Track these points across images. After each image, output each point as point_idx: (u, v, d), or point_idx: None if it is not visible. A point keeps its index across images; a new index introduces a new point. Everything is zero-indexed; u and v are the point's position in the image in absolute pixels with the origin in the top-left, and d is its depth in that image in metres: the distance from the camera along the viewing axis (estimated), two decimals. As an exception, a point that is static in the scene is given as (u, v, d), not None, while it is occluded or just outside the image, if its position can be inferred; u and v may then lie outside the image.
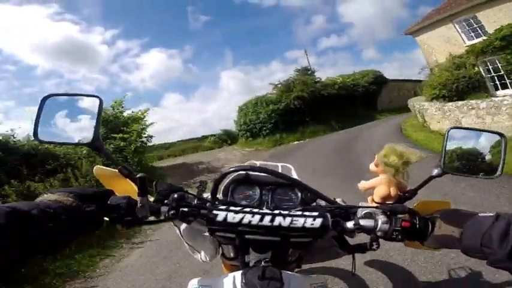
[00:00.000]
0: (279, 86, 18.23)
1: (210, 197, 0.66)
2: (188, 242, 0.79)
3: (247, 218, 0.58)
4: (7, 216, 0.43)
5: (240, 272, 0.60)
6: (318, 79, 19.09)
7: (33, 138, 0.71)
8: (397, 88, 25.16)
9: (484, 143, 0.72)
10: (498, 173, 0.67)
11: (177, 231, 0.75)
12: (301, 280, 0.62)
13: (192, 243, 0.79)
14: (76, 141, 0.68)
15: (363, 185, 0.78)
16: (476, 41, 12.52)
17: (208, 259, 0.82)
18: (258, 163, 0.94)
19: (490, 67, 12.08)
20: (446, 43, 14.02)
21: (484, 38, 11.69)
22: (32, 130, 0.64)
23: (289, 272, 0.61)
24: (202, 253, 0.81)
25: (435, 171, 0.65)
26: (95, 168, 0.74)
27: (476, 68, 12.08)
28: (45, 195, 0.55)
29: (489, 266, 0.50)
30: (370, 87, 21.17)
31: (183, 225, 0.73)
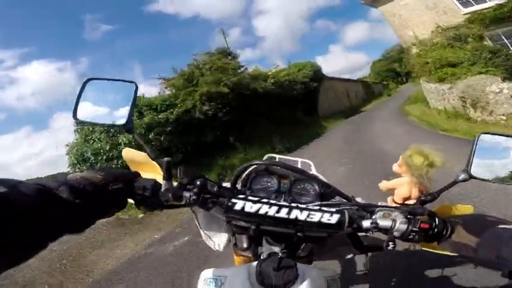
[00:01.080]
0: (174, 79, 10.13)
1: (230, 186, 0.68)
2: (203, 229, 0.82)
3: (265, 208, 0.60)
4: (36, 193, 0.43)
5: (255, 262, 0.62)
6: (244, 66, 11.89)
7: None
8: (333, 88, 21.02)
9: None
10: None
11: (195, 218, 0.78)
12: (316, 273, 0.63)
13: (207, 231, 0.82)
14: (111, 122, 0.71)
15: (384, 184, 0.77)
16: (477, 7, 9.78)
17: (221, 247, 0.84)
18: (277, 157, 0.95)
19: (506, 40, 9.32)
20: (429, 11, 10.84)
21: (492, 3, 9.10)
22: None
23: (304, 265, 0.62)
24: (216, 241, 0.83)
25: (461, 176, 0.64)
26: (124, 150, 0.77)
27: (485, 41, 9.49)
28: (74, 173, 0.55)
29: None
30: (310, 85, 15.48)
31: (201, 213, 0.76)
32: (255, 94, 10.63)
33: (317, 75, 16.61)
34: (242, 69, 11.64)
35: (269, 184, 0.80)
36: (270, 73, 12.65)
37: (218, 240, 0.83)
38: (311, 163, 1.13)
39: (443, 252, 0.61)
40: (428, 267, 2.15)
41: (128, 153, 0.77)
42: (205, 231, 0.82)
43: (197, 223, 0.80)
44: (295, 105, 13.89)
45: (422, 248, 0.66)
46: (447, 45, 9.90)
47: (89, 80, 0.72)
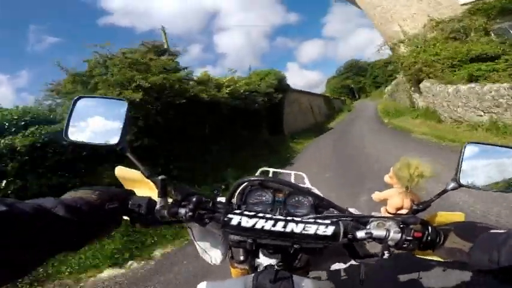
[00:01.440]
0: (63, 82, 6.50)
1: (225, 201, 0.68)
2: (199, 243, 0.82)
3: (261, 223, 0.61)
4: (34, 211, 0.44)
5: (251, 275, 0.62)
6: (188, 69, 8.30)
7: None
8: (298, 101, 18.41)
9: (502, 159, 0.72)
10: None
11: (189, 233, 0.78)
12: (312, 285, 0.64)
13: (203, 245, 0.82)
14: (103, 142, 0.70)
15: (377, 195, 0.79)
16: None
17: (218, 261, 0.84)
18: (271, 171, 0.97)
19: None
20: (419, 2, 9.29)
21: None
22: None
23: (300, 277, 0.63)
24: (213, 255, 0.84)
25: (450, 185, 0.66)
26: (116, 169, 0.76)
27: (490, 36, 8.02)
28: (70, 192, 0.57)
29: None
30: (274, 96, 12.55)
31: (196, 227, 0.76)
32: (201, 106, 7.26)
33: (282, 85, 13.98)
34: (184, 72, 7.77)
35: (264, 198, 0.81)
36: (224, 80, 9.36)
37: (214, 254, 0.83)
38: (304, 175, 1.17)
39: (437, 259, 0.62)
40: (421, 273, 2.21)
41: (120, 171, 0.76)
42: (201, 246, 0.82)
43: (192, 238, 0.80)
44: (258, 122, 11.19)
45: (417, 256, 0.67)
46: (449, 40, 8.32)
47: (79, 98, 0.71)
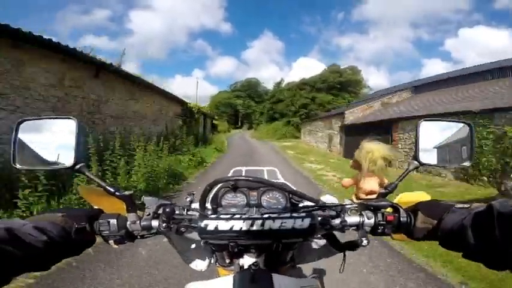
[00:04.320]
0: None
1: (199, 207, 0.67)
2: (182, 252, 0.80)
3: (238, 224, 0.60)
4: (2, 232, 0.45)
5: (230, 276, 0.62)
6: None
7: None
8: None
9: (453, 133, 0.75)
10: (470, 161, 0.71)
11: (169, 243, 0.76)
12: (292, 283, 0.63)
13: (187, 254, 0.81)
14: (57, 165, 0.66)
15: (345, 182, 0.80)
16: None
17: (204, 267, 0.83)
18: (243, 169, 0.95)
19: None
20: None
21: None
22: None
23: (280, 275, 0.63)
24: (198, 262, 0.82)
25: (411, 165, 0.69)
26: (79, 188, 0.74)
27: None
28: (37, 215, 0.57)
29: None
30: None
31: (175, 237, 0.74)
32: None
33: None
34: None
35: (239, 198, 0.80)
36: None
37: (199, 261, 0.82)
38: (276, 170, 1.18)
39: (412, 241, 0.64)
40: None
41: (84, 190, 0.73)
42: (185, 255, 0.81)
43: (174, 247, 0.78)
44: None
45: (394, 239, 0.69)
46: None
47: (21, 121, 0.66)
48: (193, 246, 0.80)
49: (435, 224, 0.56)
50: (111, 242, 0.62)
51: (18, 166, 0.65)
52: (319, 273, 1.98)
